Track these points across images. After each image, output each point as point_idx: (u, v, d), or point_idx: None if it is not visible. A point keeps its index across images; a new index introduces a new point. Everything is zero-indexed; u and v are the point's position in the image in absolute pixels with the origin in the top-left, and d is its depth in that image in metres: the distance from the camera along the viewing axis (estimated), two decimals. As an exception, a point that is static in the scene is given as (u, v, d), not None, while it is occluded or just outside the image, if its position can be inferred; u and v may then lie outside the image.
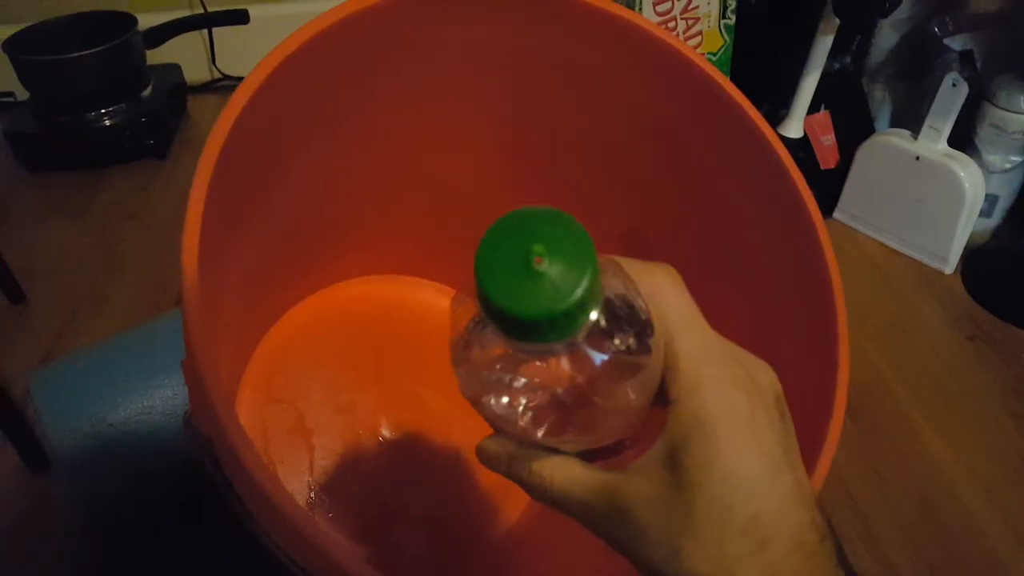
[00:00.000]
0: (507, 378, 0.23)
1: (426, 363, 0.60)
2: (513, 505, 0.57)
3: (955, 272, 0.88)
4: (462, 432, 0.58)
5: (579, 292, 0.21)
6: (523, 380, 0.23)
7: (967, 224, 0.86)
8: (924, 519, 0.63)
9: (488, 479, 0.57)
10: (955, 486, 0.65)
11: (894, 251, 0.92)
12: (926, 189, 0.86)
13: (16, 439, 0.64)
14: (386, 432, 0.58)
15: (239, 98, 0.30)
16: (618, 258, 0.25)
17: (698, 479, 0.22)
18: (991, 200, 0.89)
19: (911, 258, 0.91)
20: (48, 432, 0.53)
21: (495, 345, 0.23)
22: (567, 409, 0.24)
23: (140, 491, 0.56)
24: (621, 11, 0.40)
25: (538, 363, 0.23)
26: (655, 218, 0.49)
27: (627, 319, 0.23)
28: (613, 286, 0.23)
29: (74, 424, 0.53)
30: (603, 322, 0.22)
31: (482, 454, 0.27)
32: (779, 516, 0.23)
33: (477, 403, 0.25)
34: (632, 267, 0.25)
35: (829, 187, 0.95)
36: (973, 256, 0.89)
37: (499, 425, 0.25)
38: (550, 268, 0.21)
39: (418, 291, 0.64)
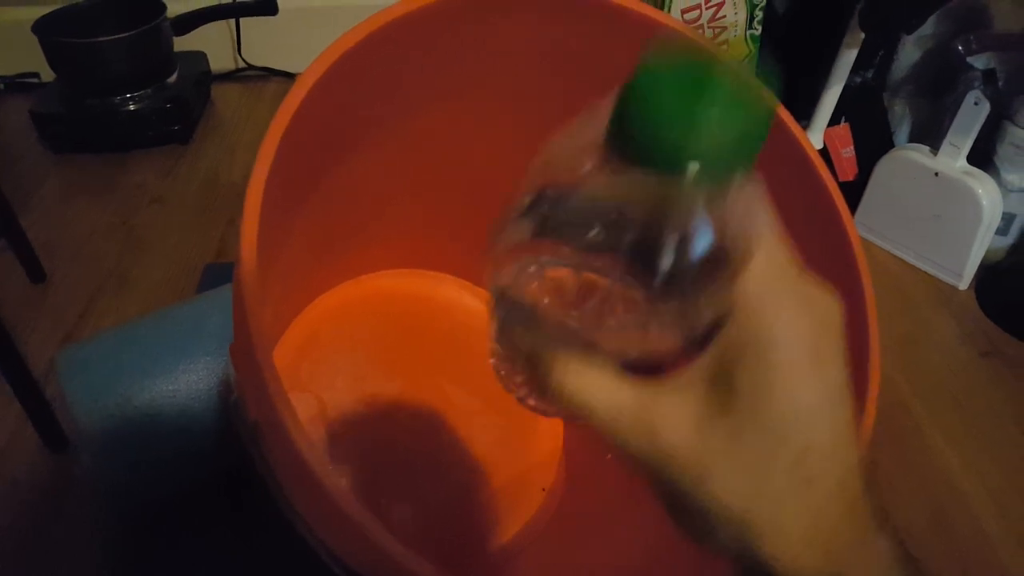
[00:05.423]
0: (564, 251, 0.20)
1: (450, 357, 0.61)
2: (515, 517, 0.57)
3: (970, 288, 0.89)
4: (481, 428, 0.59)
5: (761, 120, 0.18)
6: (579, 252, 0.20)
7: (983, 241, 0.86)
8: (936, 533, 0.63)
9: (498, 480, 0.58)
10: (968, 500, 0.65)
11: (910, 265, 0.92)
12: (944, 205, 0.87)
13: (36, 418, 0.64)
14: (407, 424, 0.59)
15: (302, 85, 0.30)
16: None
17: (750, 404, 0.20)
18: (1008, 218, 0.90)
19: (926, 273, 0.91)
20: (73, 411, 0.53)
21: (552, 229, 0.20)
22: (623, 297, 0.21)
23: (162, 475, 0.56)
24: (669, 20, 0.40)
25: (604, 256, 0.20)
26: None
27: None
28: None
29: (99, 404, 0.53)
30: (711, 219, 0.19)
31: (497, 355, 0.25)
32: (830, 453, 0.21)
33: (505, 284, 0.22)
34: None
35: (847, 200, 0.95)
36: (988, 273, 0.89)
37: (526, 312, 0.22)
38: (725, 94, 0.17)
39: (444, 286, 0.64)
